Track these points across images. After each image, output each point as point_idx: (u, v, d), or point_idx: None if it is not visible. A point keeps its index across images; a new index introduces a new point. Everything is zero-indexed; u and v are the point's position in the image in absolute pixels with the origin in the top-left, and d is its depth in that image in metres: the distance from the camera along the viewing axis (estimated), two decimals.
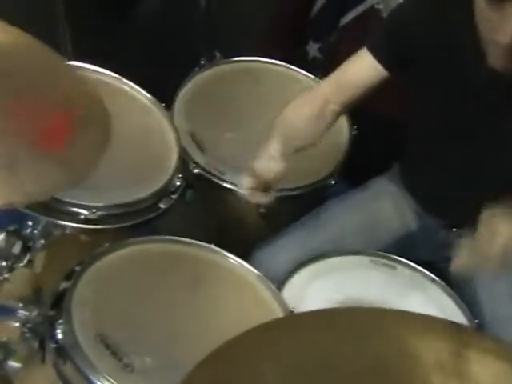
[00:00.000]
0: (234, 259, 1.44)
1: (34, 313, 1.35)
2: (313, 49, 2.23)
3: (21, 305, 1.38)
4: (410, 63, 1.54)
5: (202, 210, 1.76)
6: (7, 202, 0.90)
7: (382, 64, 1.55)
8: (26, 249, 1.39)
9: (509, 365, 1.03)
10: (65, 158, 1.02)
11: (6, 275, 1.37)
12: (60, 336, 1.21)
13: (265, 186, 1.62)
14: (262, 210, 1.73)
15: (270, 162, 1.60)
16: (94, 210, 1.38)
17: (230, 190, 1.70)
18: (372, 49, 1.56)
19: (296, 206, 1.77)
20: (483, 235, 1.38)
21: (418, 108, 1.62)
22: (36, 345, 1.35)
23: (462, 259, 1.42)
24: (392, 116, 1.90)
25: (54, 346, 1.22)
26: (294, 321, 1.15)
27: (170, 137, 1.60)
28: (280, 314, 1.35)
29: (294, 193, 1.72)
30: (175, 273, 1.39)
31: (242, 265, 1.44)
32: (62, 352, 1.21)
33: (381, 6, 2.06)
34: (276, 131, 1.63)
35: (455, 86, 1.50)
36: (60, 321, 1.23)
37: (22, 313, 1.37)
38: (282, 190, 1.70)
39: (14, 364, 1.39)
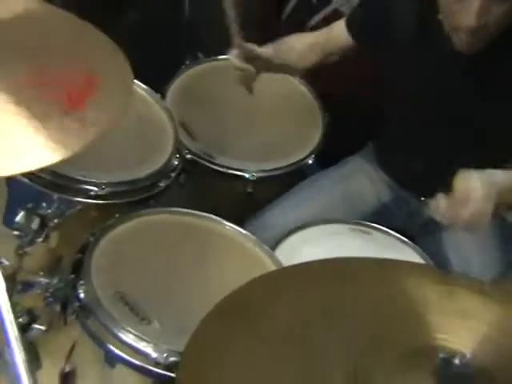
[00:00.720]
0: (232, 227, 1.46)
1: (55, 280, 1.36)
2: None
3: (41, 273, 1.38)
4: (380, 36, 1.60)
5: (194, 191, 1.77)
6: (43, 162, 0.91)
7: (351, 34, 1.66)
8: (43, 225, 1.40)
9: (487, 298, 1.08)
10: (86, 117, 1.01)
11: (27, 249, 1.38)
12: (82, 295, 1.23)
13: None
14: (249, 190, 1.77)
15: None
16: (103, 187, 1.41)
17: (219, 172, 1.73)
18: (346, 19, 1.68)
19: (279, 185, 1.80)
20: (457, 197, 1.32)
21: (391, 87, 1.67)
22: (58, 308, 1.35)
23: (437, 208, 1.34)
24: (364, 102, 1.92)
25: (78, 304, 1.24)
26: (300, 269, 1.17)
27: (166, 123, 1.62)
28: None
29: (277, 172, 1.75)
30: (181, 239, 1.41)
31: (240, 232, 1.46)
32: (85, 309, 1.23)
33: (344, 9, 2.10)
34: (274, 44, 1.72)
35: (424, 63, 1.54)
36: (81, 282, 1.24)
37: (44, 281, 1.37)
38: (266, 170, 1.74)
39: (38, 327, 1.39)
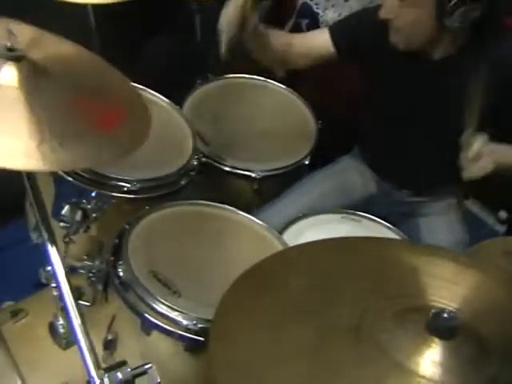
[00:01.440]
0: (245, 215, 1.48)
1: (96, 262, 1.37)
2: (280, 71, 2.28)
3: (85, 257, 1.39)
4: (356, 49, 1.61)
5: (208, 189, 1.78)
6: (75, 166, 0.92)
7: (334, 43, 1.63)
8: (85, 216, 1.41)
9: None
10: (116, 138, 1.04)
11: (72, 237, 1.39)
12: (122, 274, 1.25)
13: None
14: (255, 187, 1.79)
15: None
16: (135, 183, 1.42)
17: (229, 172, 1.75)
18: (330, 29, 1.65)
19: (280, 182, 1.82)
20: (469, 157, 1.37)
21: (367, 96, 1.69)
22: (100, 287, 1.36)
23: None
24: (348, 114, 1.94)
25: (118, 281, 1.25)
26: (308, 246, 1.19)
27: (186, 130, 1.64)
28: None
29: (279, 171, 1.77)
30: (201, 225, 1.42)
31: (252, 219, 1.47)
32: (124, 285, 1.24)
33: None
34: None
35: (391, 75, 1.57)
36: (120, 262, 1.25)
37: (87, 264, 1.38)
38: (269, 170, 1.76)
39: (84, 303, 1.40)
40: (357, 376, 0.90)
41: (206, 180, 1.75)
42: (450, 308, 0.95)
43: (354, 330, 0.95)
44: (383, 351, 0.91)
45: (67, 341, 1.48)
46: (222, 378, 0.90)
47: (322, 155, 1.84)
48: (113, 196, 1.43)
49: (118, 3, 1.51)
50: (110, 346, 1.35)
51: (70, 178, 1.39)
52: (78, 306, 1.00)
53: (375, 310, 0.98)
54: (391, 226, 1.65)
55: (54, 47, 1.13)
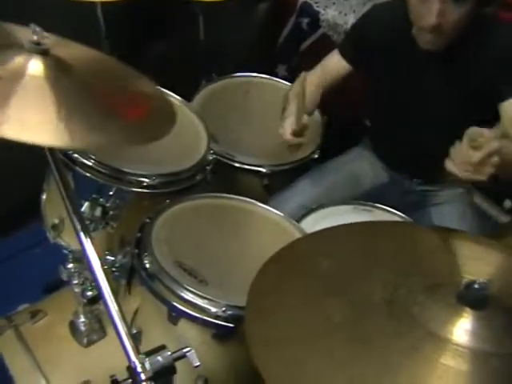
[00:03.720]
0: (262, 206, 1.51)
1: (119, 257, 1.39)
2: (281, 70, 2.33)
3: (107, 252, 1.41)
4: (366, 58, 1.67)
5: (219, 187, 1.81)
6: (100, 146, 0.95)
7: (345, 59, 1.70)
8: (104, 213, 1.43)
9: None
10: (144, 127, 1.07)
11: (92, 234, 1.40)
12: (148, 265, 1.26)
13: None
14: (265, 182, 1.82)
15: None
16: (154, 178, 1.44)
17: (239, 168, 1.78)
18: (339, 48, 1.70)
19: (290, 177, 1.85)
20: (464, 148, 1.20)
21: (378, 91, 1.73)
22: (123, 281, 1.38)
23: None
24: (355, 109, 1.99)
25: (145, 273, 1.26)
26: (337, 229, 1.22)
27: (199, 126, 1.67)
28: None
29: (289, 166, 1.81)
30: (221, 217, 1.45)
31: (269, 209, 1.50)
32: (151, 277, 1.25)
33: (331, 33, 2.17)
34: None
35: (401, 69, 1.62)
36: (145, 254, 1.27)
37: (110, 258, 1.40)
38: (279, 165, 1.79)
39: None
40: (393, 347, 0.93)
41: (217, 177, 1.77)
42: (481, 279, 0.99)
43: (387, 304, 0.99)
44: (417, 322, 0.95)
45: (88, 339, 1.50)
46: (261, 356, 0.92)
47: (332, 148, 1.88)
48: (131, 192, 1.44)
49: (122, 3, 1.54)
50: (134, 339, 1.37)
51: (89, 175, 1.41)
52: (113, 292, 1.03)
53: (406, 285, 1.02)
54: (403, 215, 1.68)
55: (76, 50, 1.17)
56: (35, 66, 1.03)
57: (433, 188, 1.76)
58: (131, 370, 0.97)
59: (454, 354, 0.91)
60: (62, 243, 1.55)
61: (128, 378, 0.98)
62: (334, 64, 1.74)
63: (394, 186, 1.79)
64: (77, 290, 1.42)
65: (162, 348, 0.99)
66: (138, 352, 0.98)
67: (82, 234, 1.06)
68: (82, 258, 1.43)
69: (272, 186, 1.81)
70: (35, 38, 1.07)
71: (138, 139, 1.06)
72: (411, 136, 1.68)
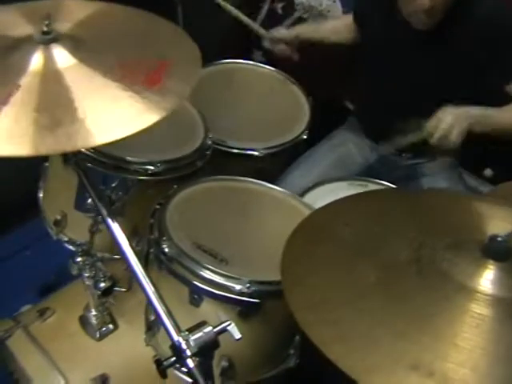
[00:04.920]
0: (269, 185, 1.54)
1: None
2: (257, 55, 2.35)
3: None
4: (364, 19, 1.74)
5: (213, 171, 1.82)
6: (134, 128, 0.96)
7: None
8: (111, 203, 1.43)
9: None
10: (161, 90, 1.07)
11: (101, 226, 1.40)
12: (167, 250, 1.27)
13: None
14: (258, 165, 1.84)
15: None
16: (158, 165, 1.45)
17: (232, 153, 1.80)
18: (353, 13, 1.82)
19: (281, 160, 1.89)
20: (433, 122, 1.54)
21: (369, 63, 1.78)
22: None
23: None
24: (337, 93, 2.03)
25: (164, 257, 1.27)
26: (354, 197, 1.28)
27: (193, 112, 1.69)
28: None
29: (280, 148, 1.83)
30: (231, 198, 1.47)
31: (277, 188, 1.54)
32: (171, 259, 1.27)
33: (306, 16, 2.20)
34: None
35: (391, 42, 1.67)
36: (164, 238, 1.28)
37: None
38: (271, 147, 1.82)
39: (119, 289, 1.43)
40: (425, 301, 0.97)
41: (211, 164, 1.79)
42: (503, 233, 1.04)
43: (415, 263, 1.03)
44: (446, 277, 1.00)
45: (101, 332, 1.50)
46: (307, 320, 0.95)
47: (318, 129, 1.92)
48: (135, 182, 1.44)
49: None
50: (152, 326, 1.38)
51: (92, 165, 1.40)
52: (147, 273, 1.04)
53: (431, 244, 1.07)
54: (394, 187, 1.73)
55: (76, 13, 1.16)
56: (62, 57, 1.03)
57: (420, 160, 1.83)
58: (175, 347, 0.98)
59: (484, 303, 0.96)
60: (65, 239, 1.54)
61: (172, 356, 0.99)
62: (344, 26, 1.85)
63: (383, 164, 1.85)
64: (88, 282, 1.41)
65: (203, 324, 1.01)
66: (179, 330, 1.00)
67: (109, 220, 1.07)
68: (90, 251, 1.43)
69: (265, 168, 1.83)
70: (45, 28, 1.06)
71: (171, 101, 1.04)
72: (400, 110, 1.72)
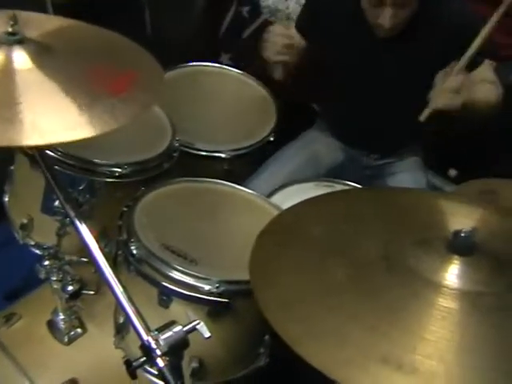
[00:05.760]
0: (239, 188, 1.54)
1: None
2: (225, 58, 2.35)
3: None
4: (320, 31, 1.72)
5: (181, 173, 1.82)
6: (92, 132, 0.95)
7: (301, 34, 1.76)
8: (79, 206, 1.41)
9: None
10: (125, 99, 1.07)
11: (68, 229, 1.39)
12: (135, 251, 1.26)
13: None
14: (225, 167, 1.84)
15: None
16: (125, 167, 1.44)
17: (199, 156, 1.80)
18: (295, 24, 1.79)
19: (248, 162, 1.89)
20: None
21: (333, 70, 1.79)
22: None
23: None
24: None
25: (132, 258, 1.26)
26: (317, 199, 1.27)
27: (161, 114, 1.68)
28: None
29: (247, 150, 1.84)
30: (198, 200, 1.47)
31: (244, 189, 1.54)
32: (139, 261, 1.26)
33: (272, 19, 2.21)
34: None
35: (354, 49, 1.69)
36: (132, 240, 1.28)
37: None
38: (238, 149, 1.83)
39: (87, 292, 1.41)
40: (394, 296, 0.99)
41: (178, 166, 1.79)
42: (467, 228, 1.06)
43: (384, 260, 1.05)
44: (412, 272, 1.02)
45: (69, 336, 1.48)
46: (278, 319, 0.95)
47: (285, 131, 1.93)
48: (103, 184, 1.43)
49: None
50: (121, 329, 1.37)
51: (59, 168, 1.39)
52: (116, 275, 1.03)
53: (398, 241, 1.08)
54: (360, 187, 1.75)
55: (46, 24, 1.15)
56: (21, 59, 1.01)
57: (388, 160, 1.85)
58: (145, 347, 0.97)
59: (449, 297, 0.98)
60: (32, 242, 1.52)
61: (142, 357, 0.98)
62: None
63: (352, 164, 1.87)
64: (56, 286, 1.40)
65: (173, 323, 1.01)
66: (149, 330, 0.99)
67: (77, 221, 1.05)
68: (58, 254, 1.42)
69: (233, 170, 1.84)
70: (10, 28, 1.05)
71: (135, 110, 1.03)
72: (364, 113, 1.75)
